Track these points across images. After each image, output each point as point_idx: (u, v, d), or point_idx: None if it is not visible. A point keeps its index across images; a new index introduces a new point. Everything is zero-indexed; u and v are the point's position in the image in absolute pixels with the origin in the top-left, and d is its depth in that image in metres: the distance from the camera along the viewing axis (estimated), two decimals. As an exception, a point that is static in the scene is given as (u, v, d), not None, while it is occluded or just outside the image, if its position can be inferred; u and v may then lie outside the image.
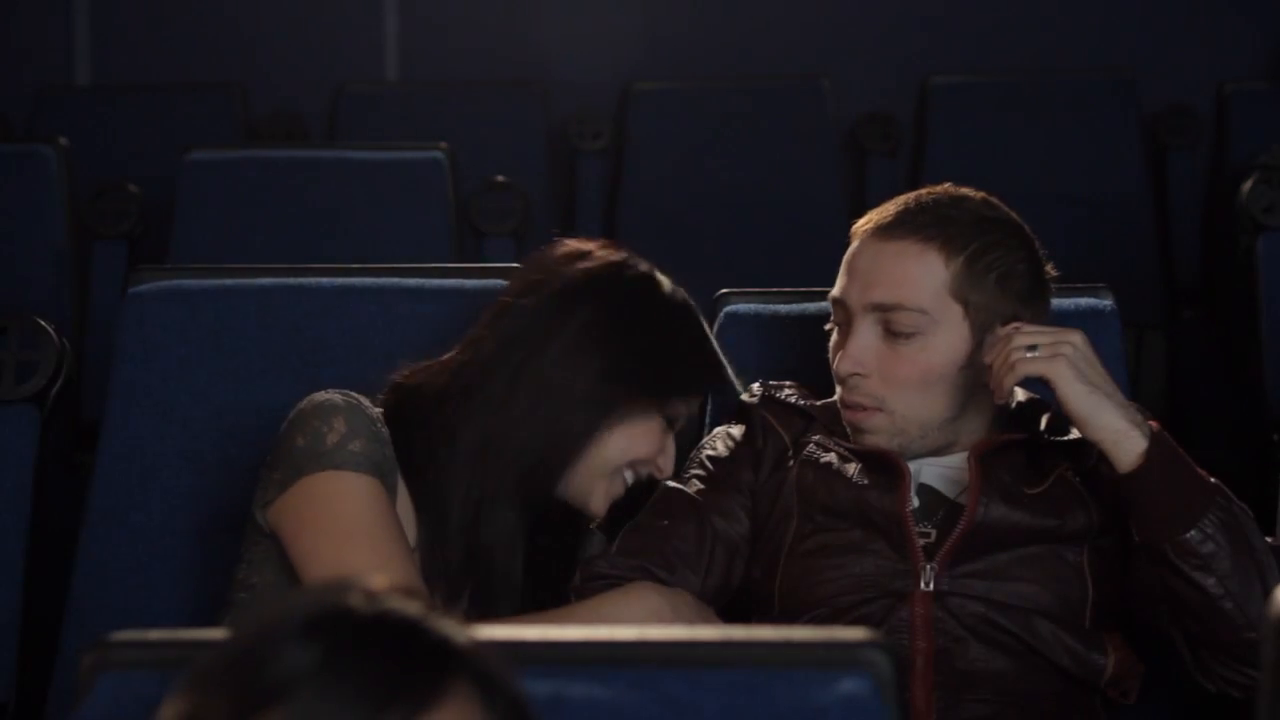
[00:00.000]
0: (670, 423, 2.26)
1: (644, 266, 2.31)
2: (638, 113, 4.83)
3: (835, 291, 2.29)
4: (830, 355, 2.31)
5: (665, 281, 2.31)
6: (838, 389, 2.30)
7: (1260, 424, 3.51)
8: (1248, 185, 3.58)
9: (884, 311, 2.23)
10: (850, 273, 2.27)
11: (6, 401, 2.56)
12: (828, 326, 2.33)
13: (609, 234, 4.62)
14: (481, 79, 5.23)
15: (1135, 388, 2.62)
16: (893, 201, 2.29)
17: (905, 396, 2.23)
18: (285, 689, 1.16)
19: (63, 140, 3.88)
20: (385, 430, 2.18)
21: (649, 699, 1.32)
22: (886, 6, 5.56)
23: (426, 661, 1.18)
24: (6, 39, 5.67)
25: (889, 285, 2.23)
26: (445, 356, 2.25)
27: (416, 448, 2.19)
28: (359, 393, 2.21)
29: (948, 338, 2.23)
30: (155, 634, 1.45)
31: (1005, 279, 2.25)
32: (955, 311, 2.23)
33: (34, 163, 3.79)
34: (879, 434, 2.25)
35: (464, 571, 2.18)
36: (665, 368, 2.26)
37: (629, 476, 2.25)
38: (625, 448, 2.22)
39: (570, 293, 2.23)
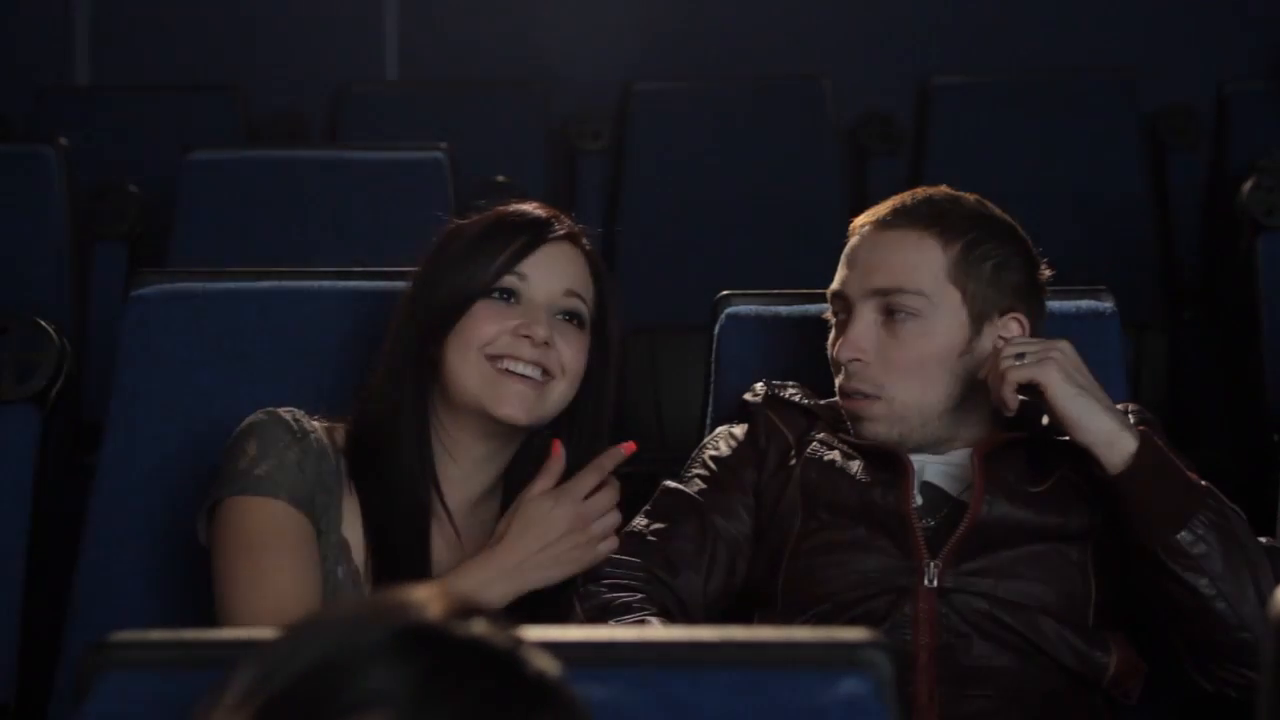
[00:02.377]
0: (507, 294, 2.23)
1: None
2: (638, 113, 4.83)
3: (834, 285, 2.31)
4: (829, 349, 2.32)
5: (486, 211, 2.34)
6: (837, 381, 2.31)
7: (1260, 424, 3.51)
8: (1248, 186, 3.58)
9: (884, 296, 2.25)
10: (849, 264, 2.30)
11: (6, 401, 2.56)
12: (826, 316, 2.34)
13: (609, 234, 4.63)
14: (481, 79, 5.23)
15: (1135, 388, 2.63)
16: (888, 200, 2.33)
17: (905, 383, 2.25)
18: (368, 710, 1.10)
19: (63, 140, 3.88)
20: (321, 443, 2.20)
21: (649, 699, 1.32)
22: (886, 6, 5.56)
23: (524, 694, 1.13)
24: (6, 39, 5.67)
25: (888, 271, 2.26)
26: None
27: (365, 447, 2.23)
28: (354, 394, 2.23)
29: (946, 323, 2.25)
30: (156, 634, 1.45)
31: (1001, 269, 2.28)
32: (954, 297, 2.26)
33: (34, 163, 3.78)
34: (878, 422, 2.26)
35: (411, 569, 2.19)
36: (462, 261, 2.27)
37: (509, 365, 2.21)
38: (470, 338, 2.21)
39: (435, 243, 2.31)
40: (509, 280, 2.23)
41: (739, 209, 4.66)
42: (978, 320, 2.27)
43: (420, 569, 2.21)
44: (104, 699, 1.36)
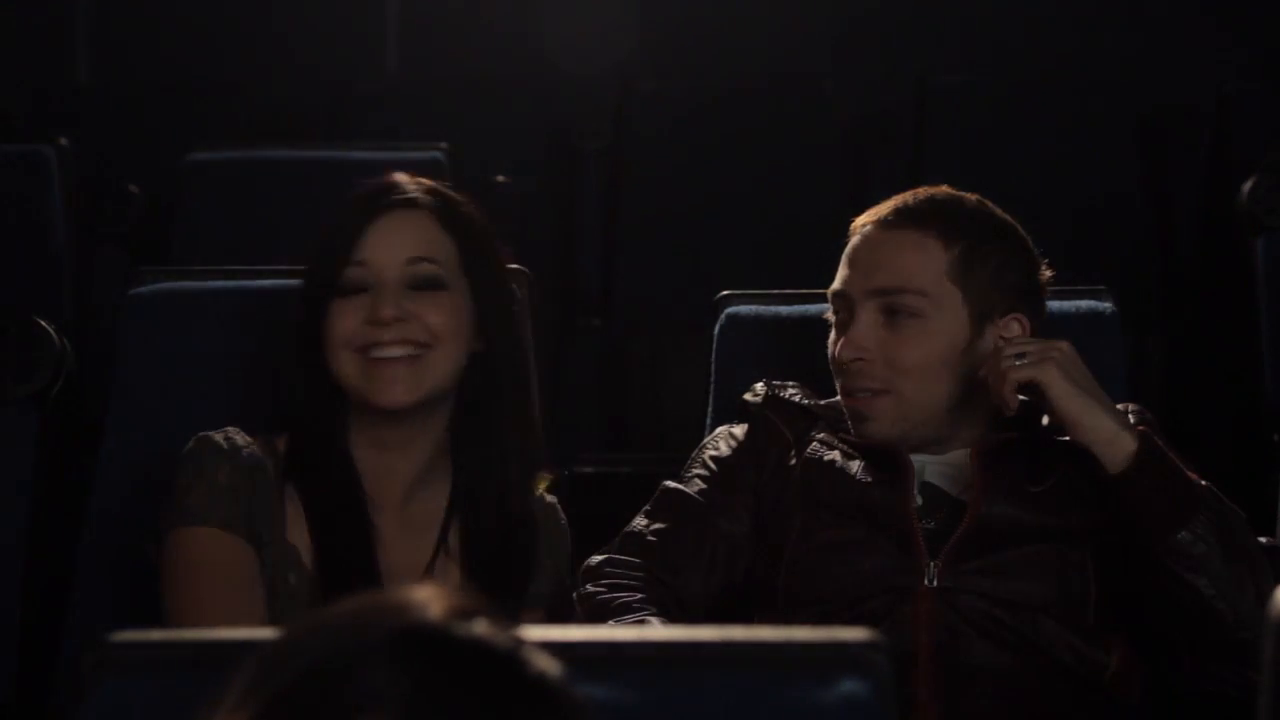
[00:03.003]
0: (346, 290, 2.22)
1: None
2: (638, 113, 4.83)
3: (836, 284, 2.32)
4: (830, 349, 2.32)
5: None
6: (838, 382, 2.31)
7: (1260, 424, 3.51)
8: (1248, 185, 3.57)
9: (886, 296, 2.25)
10: (851, 264, 2.30)
11: (6, 401, 2.56)
12: (827, 316, 2.34)
13: (609, 234, 4.63)
14: (482, 78, 5.22)
15: (1135, 388, 2.62)
16: (889, 200, 2.33)
17: (908, 381, 2.25)
18: (368, 712, 1.08)
19: (63, 140, 3.87)
20: (255, 455, 2.21)
21: (649, 700, 1.32)
22: (886, 6, 5.56)
23: (524, 696, 1.12)
24: (6, 39, 5.67)
25: (890, 270, 2.26)
26: None
27: (296, 452, 2.24)
28: None
29: (948, 322, 2.26)
30: (156, 634, 1.45)
31: (1002, 269, 2.29)
32: (955, 296, 2.26)
33: (34, 163, 3.78)
34: (882, 419, 2.26)
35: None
36: (309, 269, 2.27)
37: (375, 353, 2.20)
38: (334, 340, 2.21)
39: None
40: (349, 274, 2.21)
41: (739, 209, 4.65)
42: (979, 320, 2.27)
43: (366, 563, 2.20)
44: (104, 699, 1.36)
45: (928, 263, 2.26)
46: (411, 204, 2.25)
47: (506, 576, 2.23)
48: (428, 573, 2.22)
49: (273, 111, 5.22)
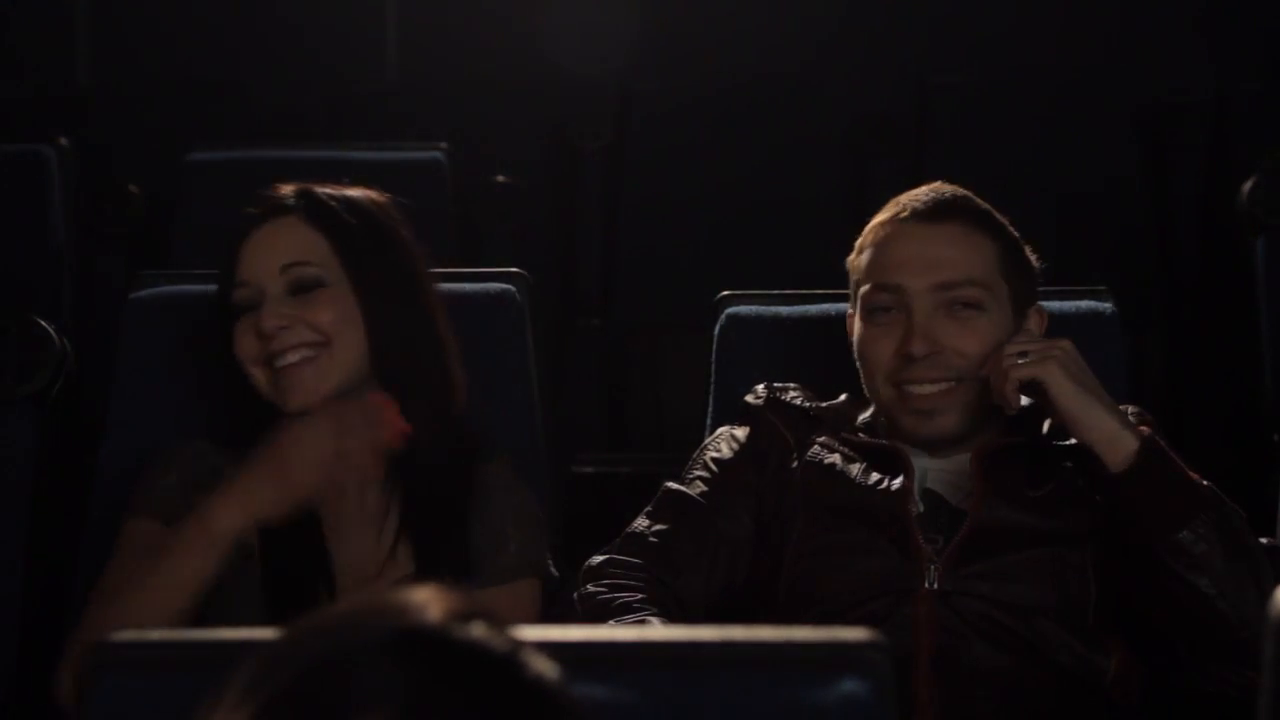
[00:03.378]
0: (239, 310, 2.28)
1: None
2: (638, 113, 4.82)
3: (884, 278, 2.29)
4: (867, 346, 2.29)
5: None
6: (878, 376, 2.28)
7: (1260, 424, 3.51)
8: (1248, 186, 3.57)
9: (949, 290, 2.26)
10: (900, 260, 2.28)
11: (6, 401, 2.56)
12: (851, 313, 2.33)
13: (609, 234, 4.63)
14: (481, 79, 5.22)
15: (1135, 388, 2.62)
16: (912, 194, 2.32)
17: (972, 371, 2.25)
18: (367, 712, 1.09)
19: (63, 140, 3.87)
20: (201, 446, 2.31)
21: (649, 700, 1.32)
22: (886, 6, 5.55)
23: (522, 697, 1.12)
24: (6, 39, 5.67)
25: (951, 264, 2.27)
26: None
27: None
28: None
29: (1002, 314, 2.28)
30: (156, 634, 1.45)
31: (1028, 261, 2.33)
32: (1003, 289, 2.29)
33: (34, 163, 3.78)
34: (951, 413, 2.26)
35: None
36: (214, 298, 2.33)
37: (276, 362, 2.25)
38: (243, 358, 2.27)
39: None
40: (236, 295, 2.28)
41: (738, 209, 4.65)
42: (1020, 312, 2.28)
43: (312, 535, 2.24)
44: (104, 699, 1.36)
45: (983, 256, 2.28)
46: (281, 210, 2.31)
47: (445, 536, 2.25)
48: (376, 546, 2.26)
49: (273, 111, 5.22)
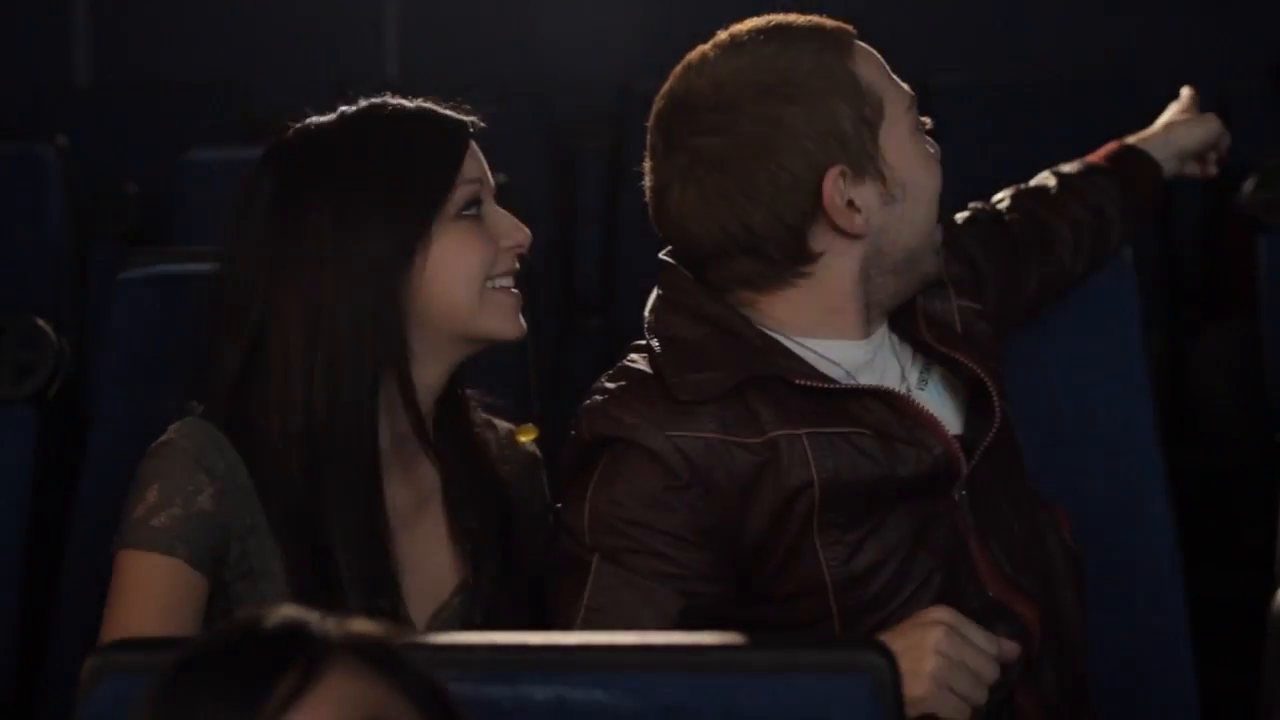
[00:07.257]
0: (469, 205, 2.11)
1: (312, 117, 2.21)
2: (637, 113, 4.82)
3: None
4: (934, 177, 2.19)
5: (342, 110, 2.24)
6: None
7: (1261, 424, 3.51)
8: (1248, 185, 3.57)
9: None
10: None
11: (6, 401, 2.55)
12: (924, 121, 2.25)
13: (609, 234, 4.63)
14: (481, 80, 5.22)
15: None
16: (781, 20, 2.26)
17: None
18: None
19: (63, 140, 3.88)
20: (230, 455, 1.98)
21: (649, 703, 1.32)
22: (886, 6, 5.56)
23: (268, 652, 1.17)
24: (7, 39, 5.67)
25: None
26: None
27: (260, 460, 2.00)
28: None
29: None
30: (155, 639, 1.45)
31: None
32: None
33: (34, 163, 3.79)
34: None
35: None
36: (407, 181, 2.15)
37: (502, 281, 2.06)
38: (456, 269, 2.05)
39: (269, 184, 2.19)
40: (461, 192, 2.27)
41: (739, 209, 4.64)
42: None
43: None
44: (100, 703, 1.36)
45: None
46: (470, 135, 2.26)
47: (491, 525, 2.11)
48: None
49: (273, 111, 5.22)
